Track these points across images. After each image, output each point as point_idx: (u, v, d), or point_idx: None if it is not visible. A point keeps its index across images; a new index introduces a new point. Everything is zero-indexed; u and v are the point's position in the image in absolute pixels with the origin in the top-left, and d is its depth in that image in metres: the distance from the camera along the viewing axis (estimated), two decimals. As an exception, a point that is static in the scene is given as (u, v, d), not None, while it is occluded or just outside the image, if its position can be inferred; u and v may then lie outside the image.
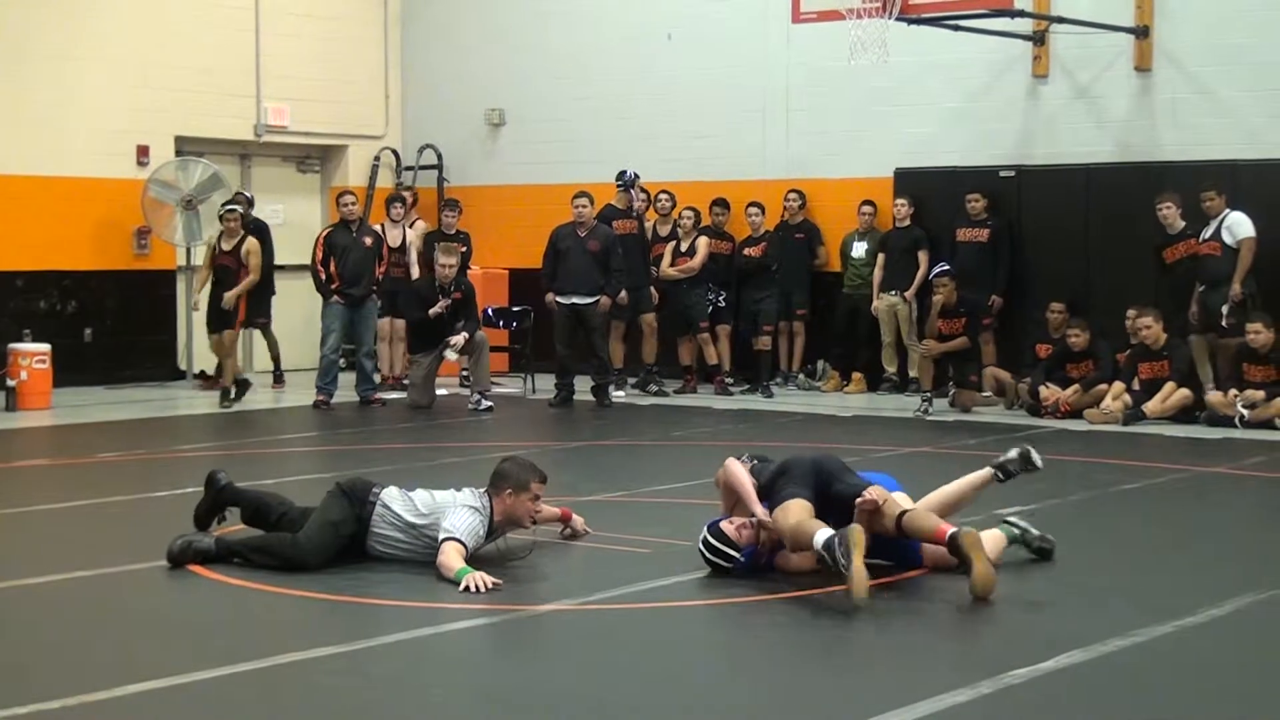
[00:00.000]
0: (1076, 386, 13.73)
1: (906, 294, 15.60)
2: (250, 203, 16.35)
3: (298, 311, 17.77)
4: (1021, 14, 14.36)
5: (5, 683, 5.69)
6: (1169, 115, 14.85)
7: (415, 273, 16.11)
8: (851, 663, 6.11)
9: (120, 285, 16.39)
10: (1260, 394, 12.92)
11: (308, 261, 15.48)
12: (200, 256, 16.04)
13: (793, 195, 16.38)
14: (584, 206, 15.19)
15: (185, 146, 17.40)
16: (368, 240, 15.19)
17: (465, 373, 15.62)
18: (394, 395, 15.52)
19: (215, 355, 15.48)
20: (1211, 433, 12.76)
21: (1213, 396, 13.22)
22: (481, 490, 7.55)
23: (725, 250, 16.28)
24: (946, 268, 14.50)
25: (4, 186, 15.98)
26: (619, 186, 16.10)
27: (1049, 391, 13.78)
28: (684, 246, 16.05)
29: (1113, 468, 10.95)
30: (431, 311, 14.54)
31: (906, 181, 15.95)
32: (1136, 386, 13.52)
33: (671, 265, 15.96)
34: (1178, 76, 14.76)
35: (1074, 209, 15.13)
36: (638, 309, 15.84)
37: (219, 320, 15.14)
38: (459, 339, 14.45)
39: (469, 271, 16.13)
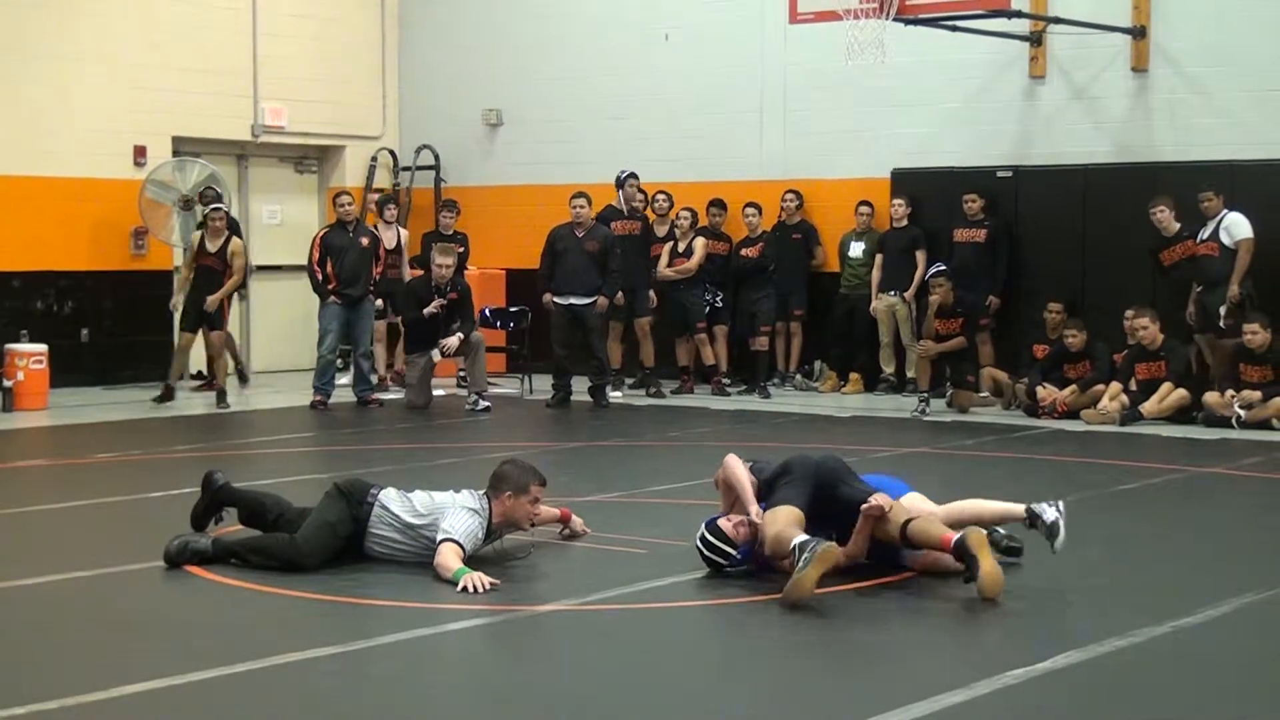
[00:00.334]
0: (1074, 387, 13.73)
1: (905, 294, 15.61)
2: (219, 197, 16.23)
3: (295, 312, 17.77)
4: (1019, 14, 14.37)
5: (3, 683, 5.69)
6: (1166, 116, 14.86)
7: (406, 274, 16.11)
8: (849, 663, 6.11)
9: (117, 286, 16.37)
10: (1257, 394, 12.92)
11: (304, 262, 15.45)
12: (185, 258, 15.76)
13: (790, 195, 16.38)
14: (582, 207, 15.19)
15: (182, 147, 17.39)
16: (365, 241, 15.17)
17: (462, 373, 15.62)
18: (391, 396, 15.52)
19: (178, 353, 15.21)
20: (1208, 433, 12.77)
21: (1210, 397, 13.22)
22: (480, 492, 7.55)
23: (722, 251, 16.28)
24: (943, 268, 14.51)
25: (1, 187, 15.97)
26: (617, 186, 16.10)
27: (1046, 392, 13.78)
28: (681, 247, 16.05)
29: (1110, 468, 10.96)
30: (426, 310, 14.54)
31: (904, 182, 15.96)
32: (1133, 387, 13.53)
33: (668, 266, 15.96)
34: (1175, 77, 14.77)
35: (1071, 209, 15.13)
36: (634, 310, 15.83)
37: (197, 320, 15.03)
38: (451, 341, 14.43)
39: (466, 272, 16.12)
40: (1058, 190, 15.23)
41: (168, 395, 14.86)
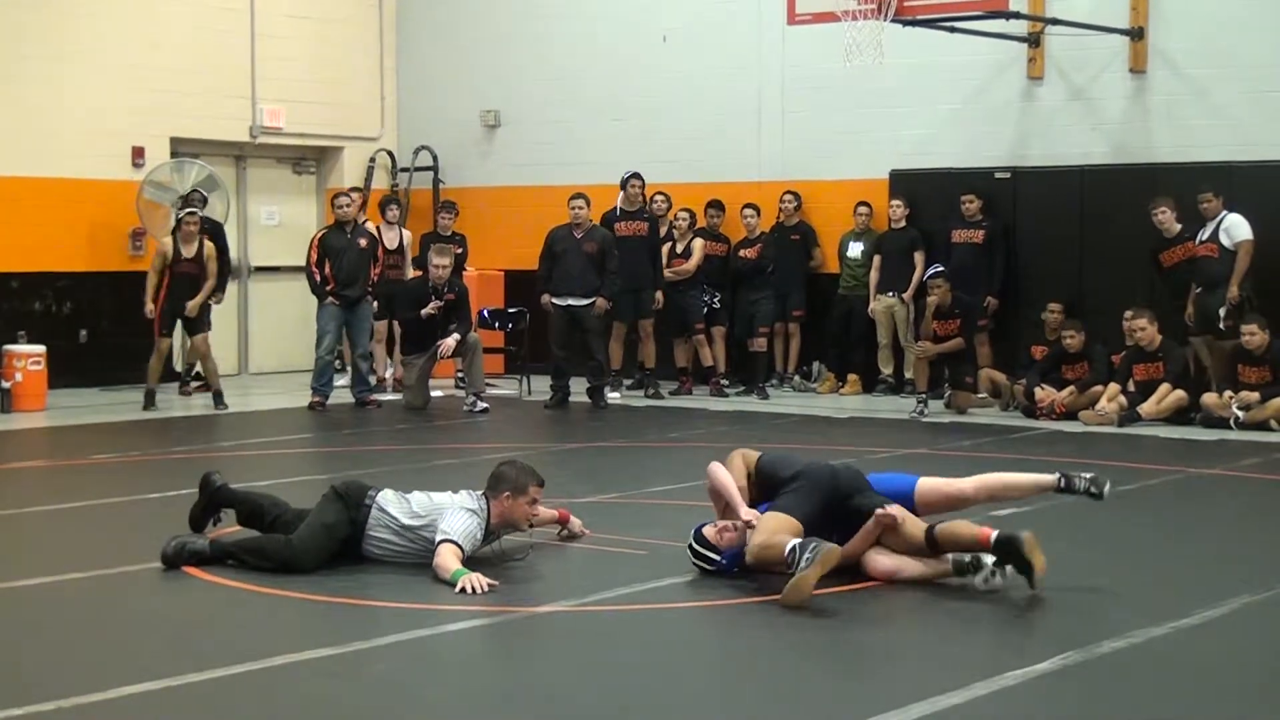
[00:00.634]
0: (1072, 388, 13.74)
1: (904, 295, 15.61)
2: (204, 202, 16.22)
3: (293, 313, 17.77)
4: (1017, 16, 14.37)
5: (1, 684, 5.68)
6: (1164, 117, 14.86)
7: (409, 273, 16.11)
8: (846, 664, 6.11)
9: (115, 287, 16.35)
10: (1255, 395, 12.93)
11: (303, 263, 15.45)
12: (152, 263, 15.15)
13: (788, 197, 16.38)
14: (580, 208, 15.19)
15: (180, 148, 17.39)
16: (363, 242, 15.16)
17: (460, 374, 15.62)
18: (389, 397, 15.52)
19: (154, 356, 15.02)
20: (1206, 434, 12.77)
21: (1208, 398, 13.23)
22: (479, 493, 7.55)
23: (720, 252, 16.28)
24: (941, 269, 14.51)
25: (-1, 188, 16.01)
26: (621, 188, 16.07)
27: (1044, 393, 13.79)
28: (679, 248, 16.06)
29: (1108, 469, 10.92)
30: (424, 311, 14.54)
31: (902, 183, 15.96)
32: (1131, 388, 13.54)
33: (667, 267, 15.95)
34: (1172, 78, 14.78)
35: (1069, 210, 15.14)
36: (638, 311, 15.80)
37: (172, 324, 14.83)
38: (448, 343, 14.42)
39: (465, 273, 16.13)
40: (1056, 191, 15.24)
41: (149, 400, 14.77)
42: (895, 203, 15.77)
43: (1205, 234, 13.65)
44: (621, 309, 15.60)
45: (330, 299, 14.91)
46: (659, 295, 15.68)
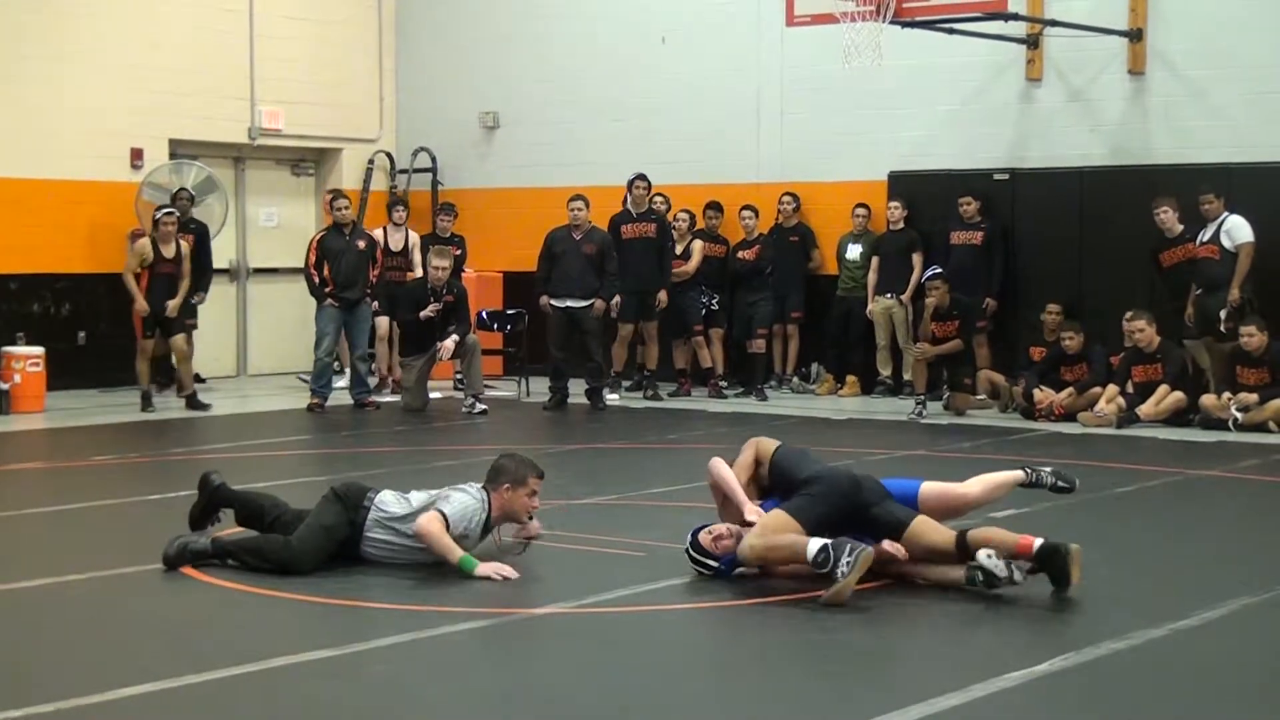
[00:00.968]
0: (1070, 389, 13.74)
1: (902, 297, 15.61)
2: (192, 200, 16.16)
3: (292, 315, 17.76)
4: (1015, 17, 14.37)
5: (0, 685, 5.70)
6: (1162, 118, 14.87)
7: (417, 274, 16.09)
8: (845, 666, 6.11)
9: (114, 288, 16.30)
10: (1254, 397, 12.93)
11: (301, 264, 15.44)
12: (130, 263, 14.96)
13: (787, 198, 16.38)
14: (579, 210, 15.19)
15: (179, 149, 17.39)
16: (361, 244, 15.16)
17: (459, 375, 15.62)
18: (388, 398, 15.52)
19: (140, 358, 14.88)
20: (1205, 436, 12.78)
21: (1206, 399, 13.23)
22: (479, 485, 7.56)
23: (719, 253, 16.29)
24: (939, 270, 14.52)
25: (-2, 189, 16.01)
26: (628, 189, 16.04)
27: (1043, 394, 13.79)
28: (678, 250, 16.06)
29: (1106, 471, 10.95)
30: (423, 314, 14.54)
31: (900, 184, 15.97)
32: (1130, 389, 13.54)
33: (666, 268, 15.96)
34: (1171, 80, 14.78)
35: (1068, 212, 15.14)
36: (644, 314, 15.78)
37: (154, 325, 14.73)
38: (447, 345, 14.42)
39: (464, 275, 16.13)
40: (1054, 193, 15.24)
41: (146, 402, 14.76)
42: (894, 204, 15.78)
43: (1206, 235, 13.65)
44: (629, 311, 15.58)
45: (329, 301, 14.91)
46: (662, 296, 15.67)
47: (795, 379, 16.39)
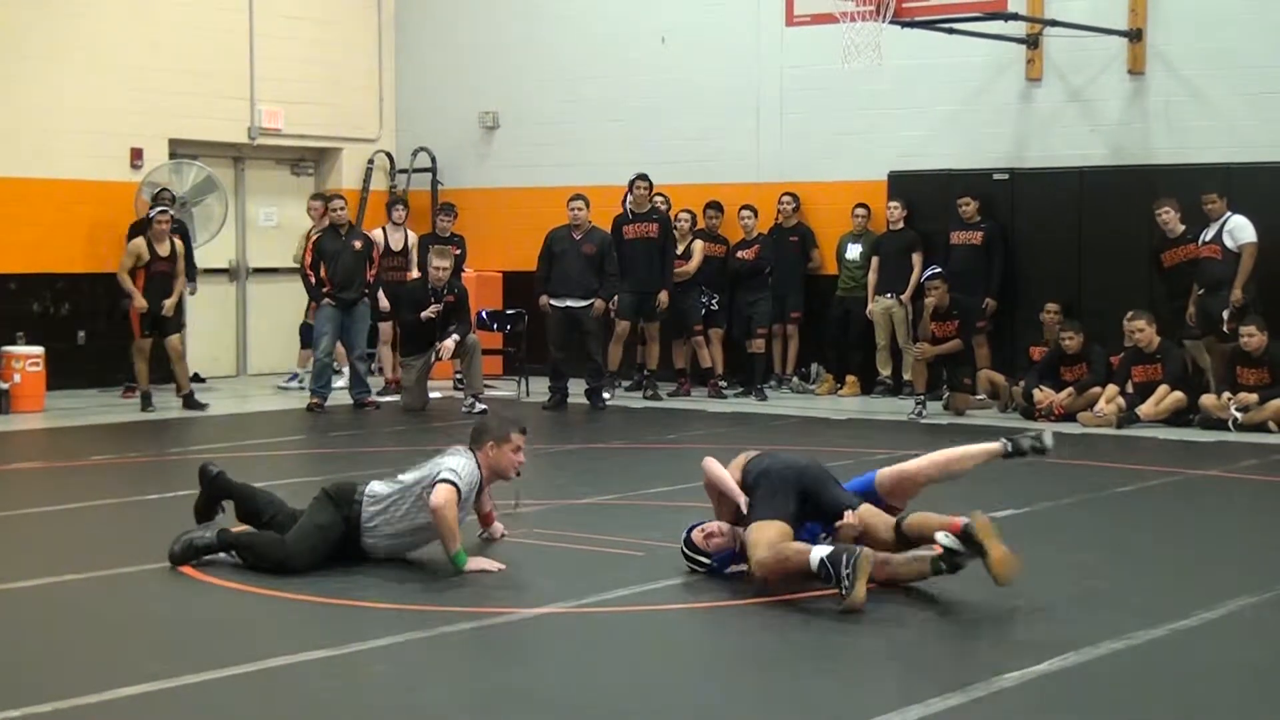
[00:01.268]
0: (1070, 389, 13.74)
1: (902, 297, 15.61)
2: (173, 200, 16.15)
3: (291, 314, 17.74)
4: (1015, 17, 14.37)
5: (0, 685, 5.70)
6: (1162, 119, 14.87)
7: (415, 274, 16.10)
8: (843, 666, 6.11)
9: (113, 288, 16.29)
10: (1253, 397, 12.93)
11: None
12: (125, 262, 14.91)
13: (787, 198, 16.38)
14: (579, 210, 15.19)
15: (179, 149, 17.39)
16: (357, 244, 15.16)
17: (459, 375, 15.62)
18: (388, 398, 15.51)
19: (138, 358, 14.85)
20: (1205, 436, 12.78)
21: (1206, 399, 13.23)
22: (465, 448, 7.61)
23: (719, 253, 16.28)
24: (938, 270, 14.52)
25: (-3, 189, 16.00)
26: (629, 189, 16.05)
27: (1043, 394, 13.79)
28: (680, 250, 16.06)
29: (1106, 470, 10.96)
30: (423, 313, 14.54)
31: (900, 184, 15.97)
32: (1130, 389, 13.54)
33: (669, 268, 15.96)
34: (1171, 80, 14.78)
35: (1067, 212, 15.14)
36: (642, 312, 15.76)
37: (152, 324, 14.73)
38: (447, 344, 14.41)
39: (463, 275, 16.12)
40: (1054, 193, 15.24)
41: (146, 401, 14.76)
42: (893, 204, 15.77)
43: (1209, 235, 13.64)
44: (627, 309, 15.58)
45: (327, 300, 14.91)
46: (663, 296, 15.66)
47: (795, 379, 16.39)
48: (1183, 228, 13.87)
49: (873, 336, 15.89)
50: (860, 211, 16.05)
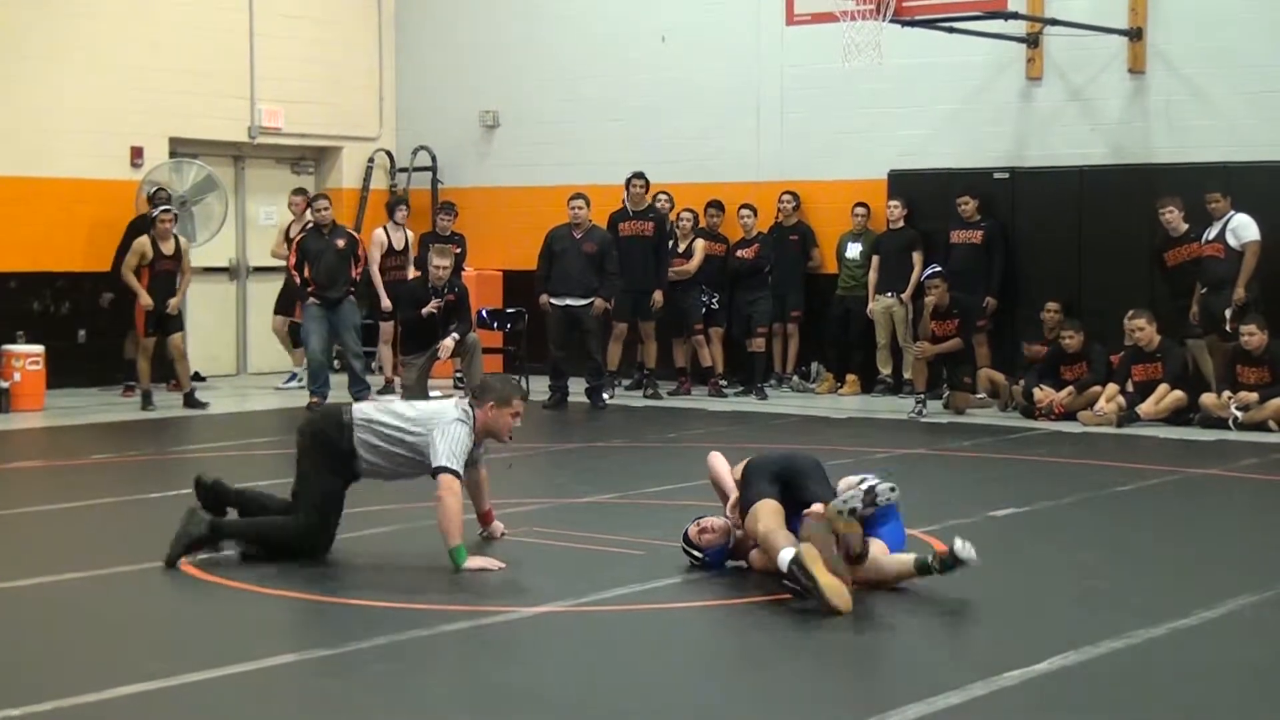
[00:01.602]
0: (1070, 388, 13.73)
1: (902, 296, 15.60)
2: (169, 199, 16.14)
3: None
4: (1015, 16, 14.36)
5: (-2, 685, 5.70)
6: (1162, 118, 14.86)
7: (411, 273, 16.10)
8: (843, 665, 6.11)
9: (113, 287, 16.34)
10: (1254, 396, 12.92)
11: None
12: (128, 262, 14.91)
13: (787, 197, 16.38)
14: (579, 208, 15.19)
15: (179, 148, 17.38)
16: (340, 243, 15.13)
17: (459, 374, 15.60)
18: (387, 397, 15.50)
19: (141, 357, 14.82)
20: (1205, 435, 12.77)
21: (1207, 398, 13.22)
22: (466, 401, 7.73)
23: (719, 252, 16.28)
24: (938, 269, 14.51)
25: (-2, 188, 16.00)
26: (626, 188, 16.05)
27: (1043, 393, 13.78)
28: (681, 249, 16.05)
29: (1106, 470, 10.96)
30: (424, 311, 14.53)
31: (900, 183, 15.96)
32: (1130, 388, 13.53)
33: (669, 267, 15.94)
34: (1171, 79, 14.78)
35: (1067, 211, 15.14)
36: (637, 311, 15.76)
37: (157, 323, 14.75)
38: (447, 344, 14.40)
39: (464, 273, 16.11)
40: (1054, 192, 15.23)
41: (147, 400, 14.76)
42: (893, 203, 15.77)
43: (1212, 234, 13.63)
44: (623, 310, 15.58)
45: (312, 300, 14.91)
46: (658, 296, 15.64)
47: (795, 378, 16.39)
48: (1185, 227, 13.86)
49: (873, 335, 15.89)
50: (860, 210, 16.04)
